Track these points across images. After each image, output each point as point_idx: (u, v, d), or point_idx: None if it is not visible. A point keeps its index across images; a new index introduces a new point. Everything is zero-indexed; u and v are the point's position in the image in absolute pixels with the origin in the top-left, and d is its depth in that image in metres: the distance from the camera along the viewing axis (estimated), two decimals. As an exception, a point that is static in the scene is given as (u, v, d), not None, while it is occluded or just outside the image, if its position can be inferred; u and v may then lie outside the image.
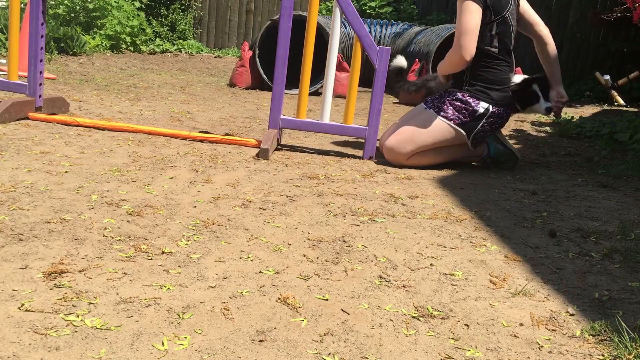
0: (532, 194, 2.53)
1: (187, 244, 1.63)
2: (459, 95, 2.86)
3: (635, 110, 6.21)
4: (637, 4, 4.63)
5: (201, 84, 5.77)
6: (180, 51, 8.53)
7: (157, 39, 8.50)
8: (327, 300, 1.37)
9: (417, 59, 5.81)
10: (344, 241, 1.76)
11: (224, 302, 1.31)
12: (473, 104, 2.83)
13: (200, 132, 3.18)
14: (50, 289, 1.30)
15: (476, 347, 1.21)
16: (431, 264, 1.64)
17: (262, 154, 2.76)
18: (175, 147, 2.80)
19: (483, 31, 2.76)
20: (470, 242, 1.85)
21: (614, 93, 6.82)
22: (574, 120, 4.85)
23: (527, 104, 2.99)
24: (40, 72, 3.13)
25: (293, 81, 4.11)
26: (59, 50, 6.27)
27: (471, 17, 2.68)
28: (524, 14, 3.00)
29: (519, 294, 1.49)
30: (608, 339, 1.27)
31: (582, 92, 7.41)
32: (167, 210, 1.90)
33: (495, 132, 2.95)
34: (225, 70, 7.30)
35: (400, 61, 3.48)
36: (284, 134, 3.44)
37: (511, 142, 3.80)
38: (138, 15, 7.96)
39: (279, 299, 1.35)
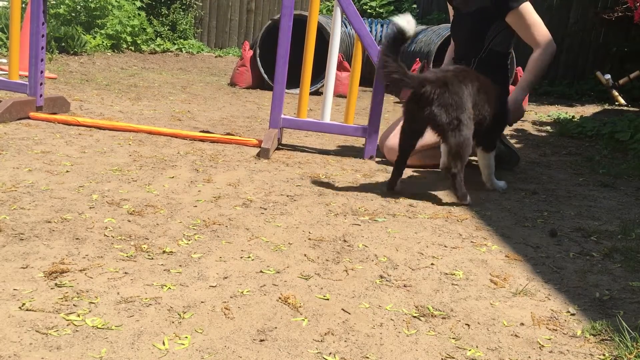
0: (532, 193, 2.52)
1: (187, 244, 1.63)
2: None
3: (636, 109, 6.20)
4: (638, 4, 4.63)
5: (202, 83, 5.77)
6: (181, 51, 8.53)
7: (158, 39, 8.50)
8: (327, 299, 1.37)
9: (417, 59, 5.81)
10: (345, 241, 1.76)
11: (225, 302, 1.31)
12: None
13: (201, 131, 3.18)
14: (51, 289, 1.30)
15: (477, 347, 1.21)
16: (432, 264, 1.64)
17: (263, 154, 2.76)
18: (176, 147, 2.80)
19: (510, 34, 2.74)
20: (471, 242, 1.85)
21: (615, 92, 6.81)
22: (575, 119, 4.84)
23: None
24: (41, 72, 3.13)
25: (294, 81, 4.10)
26: (60, 49, 6.27)
27: (535, 12, 2.69)
28: None
29: (519, 293, 1.48)
30: (609, 338, 1.27)
31: (583, 92, 7.40)
32: (167, 209, 1.90)
33: None
34: (225, 70, 7.30)
35: (403, 22, 2.05)
36: (285, 133, 3.44)
37: (512, 141, 3.80)
38: (139, 14, 7.96)
39: (279, 298, 1.35)
